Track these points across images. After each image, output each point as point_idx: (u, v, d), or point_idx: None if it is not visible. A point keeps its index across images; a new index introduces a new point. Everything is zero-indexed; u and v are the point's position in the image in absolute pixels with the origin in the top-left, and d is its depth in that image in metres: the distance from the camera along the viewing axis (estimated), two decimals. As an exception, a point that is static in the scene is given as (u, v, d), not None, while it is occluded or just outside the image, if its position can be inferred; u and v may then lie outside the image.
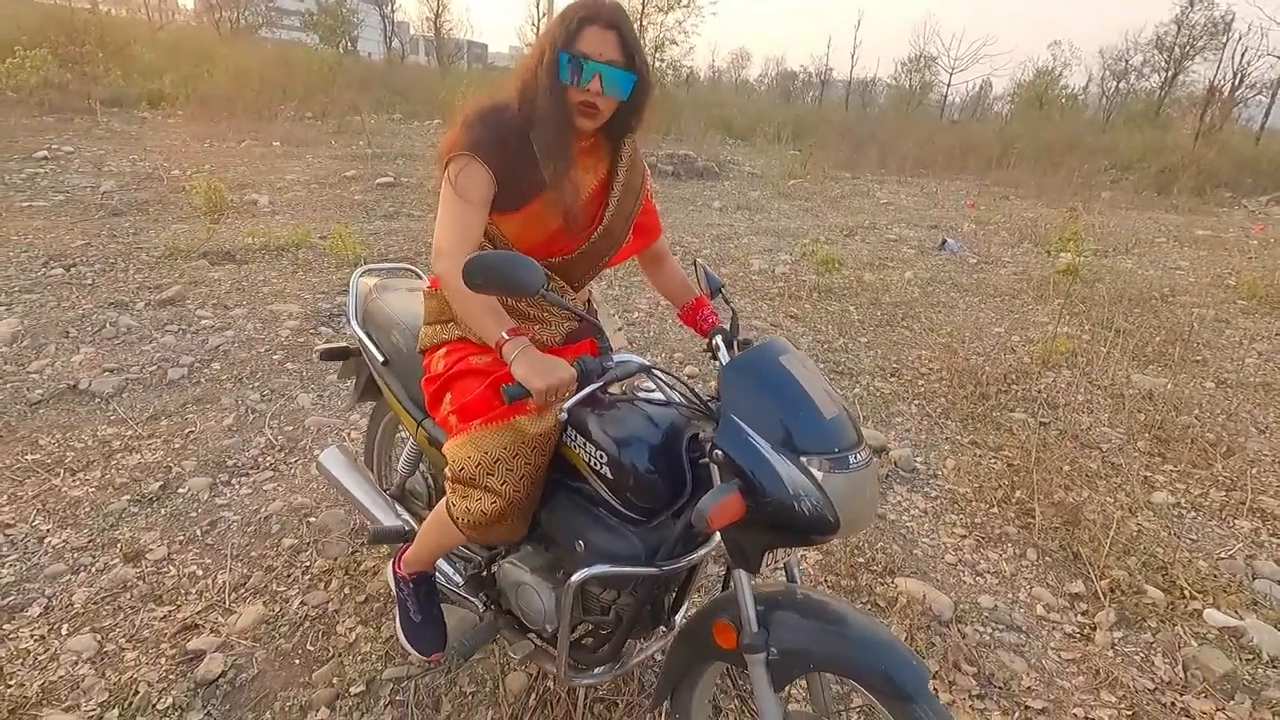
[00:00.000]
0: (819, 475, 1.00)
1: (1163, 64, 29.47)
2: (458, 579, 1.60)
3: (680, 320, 1.64)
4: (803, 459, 1.01)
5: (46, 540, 2.00)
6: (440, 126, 13.82)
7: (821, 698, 1.27)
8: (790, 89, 43.82)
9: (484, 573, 1.56)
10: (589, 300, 1.58)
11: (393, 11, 30.92)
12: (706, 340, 1.53)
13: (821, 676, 1.26)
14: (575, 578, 1.23)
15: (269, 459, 2.50)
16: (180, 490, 2.27)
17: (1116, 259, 7.46)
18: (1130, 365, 4.04)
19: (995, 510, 2.53)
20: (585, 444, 1.26)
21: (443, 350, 1.42)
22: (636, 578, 1.26)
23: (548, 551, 1.41)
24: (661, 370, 1.22)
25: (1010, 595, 2.11)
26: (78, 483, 2.27)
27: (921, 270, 6.17)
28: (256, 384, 3.03)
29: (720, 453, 1.07)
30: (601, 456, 1.23)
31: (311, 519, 2.16)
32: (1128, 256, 7.74)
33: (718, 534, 1.26)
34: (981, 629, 1.95)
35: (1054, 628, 2.00)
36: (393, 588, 1.56)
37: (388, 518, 1.75)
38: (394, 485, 1.85)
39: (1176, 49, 28.43)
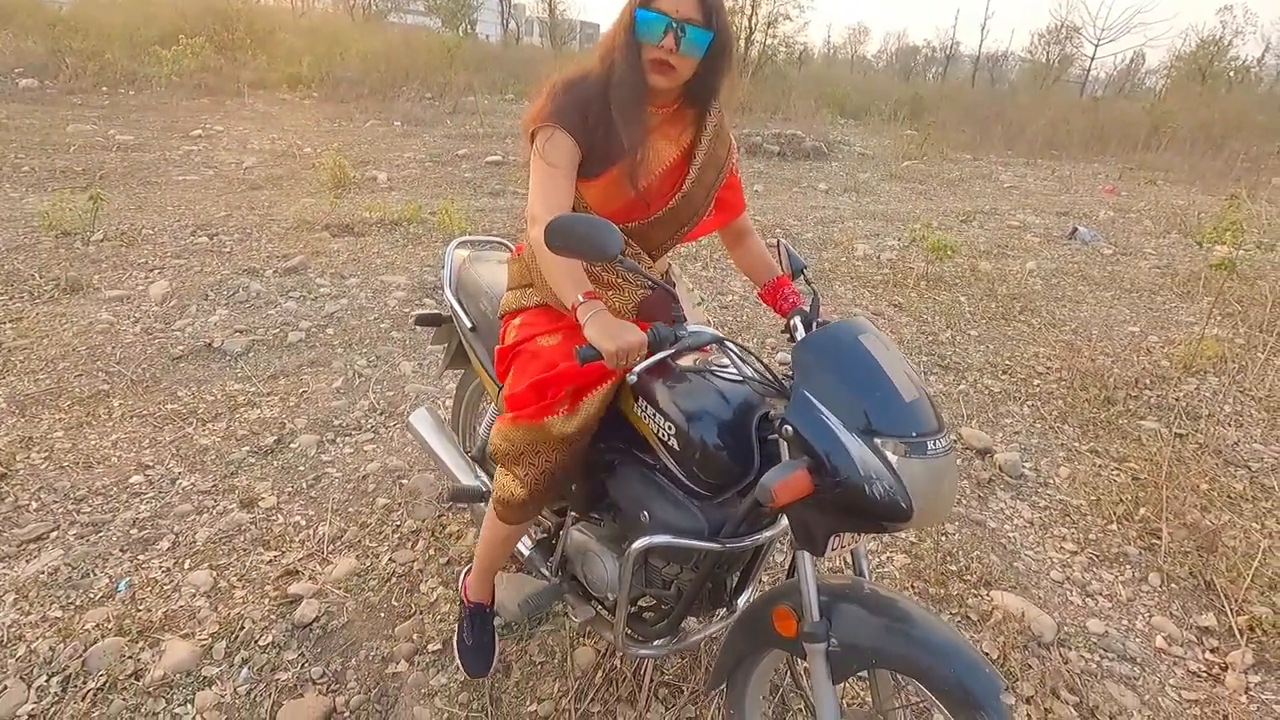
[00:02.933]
0: (894, 459, 0.95)
1: (1362, 29, 25.40)
2: (528, 542, 1.64)
3: (760, 299, 1.59)
4: (877, 440, 0.96)
5: (178, 482, 2.22)
6: (547, 106, 14.04)
7: (879, 695, 1.20)
8: (911, 65, 41.38)
9: (553, 538, 1.58)
10: (667, 272, 1.56)
11: (510, -6, 31.68)
12: (785, 321, 1.48)
13: (881, 673, 1.20)
14: (637, 545, 1.23)
15: (370, 421, 2.65)
16: (292, 445, 2.45)
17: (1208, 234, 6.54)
18: (1294, 375, 3.54)
19: (1114, 527, 2.29)
20: (654, 414, 1.25)
21: (518, 320, 1.45)
22: (699, 552, 1.24)
23: (614, 521, 1.42)
24: (735, 344, 1.19)
25: (1125, 622, 1.91)
26: (207, 432, 2.50)
27: (1046, 260, 5.67)
28: (364, 350, 3.22)
29: (790, 428, 1.03)
30: (669, 428, 1.22)
31: (404, 481, 2.27)
32: (1219, 231, 6.78)
33: (784, 518, 1.22)
34: (1088, 656, 1.78)
35: (1176, 663, 1.79)
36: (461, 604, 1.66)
37: (467, 478, 1.83)
38: (475, 448, 1.91)
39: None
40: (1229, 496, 2.49)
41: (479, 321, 1.74)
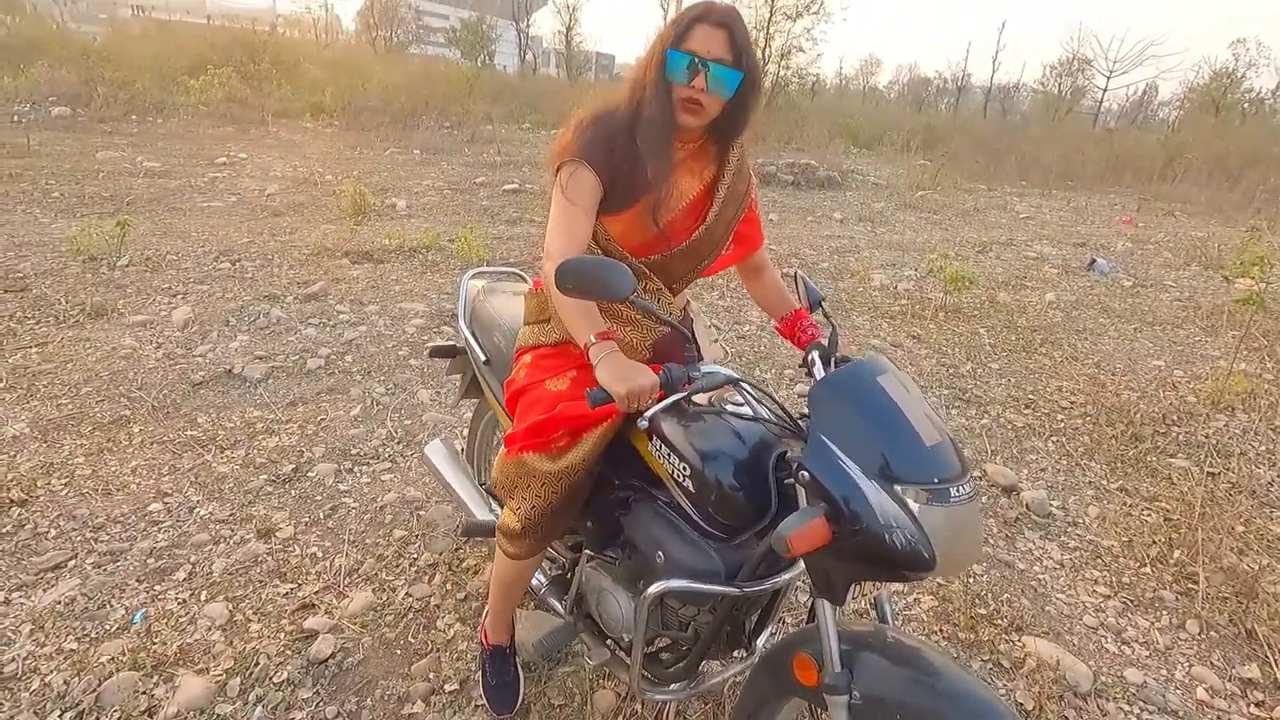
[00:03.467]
0: (915, 507, 0.92)
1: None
2: (542, 579, 1.61)
3: (778, 332, 1.58)
4: (897, 488, 0.94)
5: (196, 510, 2.21)
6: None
7: None
8: (923, 96, 41.72)
9: (568, 574, 1.55)
10: (686, 307, 1.56)
11: (528, 27, 32.43)
12: (803, 355, 1.45)
13: None
14: (652, 590, 1.20)
15: (388, 450, 2.64)
16: (309, 474, 2.44)
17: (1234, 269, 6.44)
18: (1327, 413, 3.46)
19: (1148, 570, 2.23)
20: (669, 454, 1.23)
21: (529, 358, 1.45)
22: (716, 596, 1.21)
23: (629, 560, 1.38)
24: (751, 384, 1.18)
25: (1164, 672, 1.84)
26: (225, 460, 2.50)
27: (1065, 292, 5.63)
28: (382, 377, 3.22)
29: (806, 474, 1.00)
30: (684, 469, 1.19)
31: (421, 512, 2.25)
32: (1244, 264, 6.68)
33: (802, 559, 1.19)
34: (1127, 708, 1.71)
35: (1220, 717, 1.72)
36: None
37: (481, 512, 1.81)
38: (491, 481, 1.89)
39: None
40: (1266, 540, 2.41)
41: (493, 355, 1.74)
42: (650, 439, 1.27)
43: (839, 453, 0.98)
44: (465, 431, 2.78)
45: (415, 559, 2.05)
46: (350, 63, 18.49)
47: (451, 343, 2.01)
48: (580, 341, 1.21)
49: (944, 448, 0.99)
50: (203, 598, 1.86)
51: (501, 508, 1.82)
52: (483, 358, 1.75)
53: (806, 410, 1.10)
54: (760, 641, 1.39)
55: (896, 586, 2.04)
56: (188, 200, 6.52)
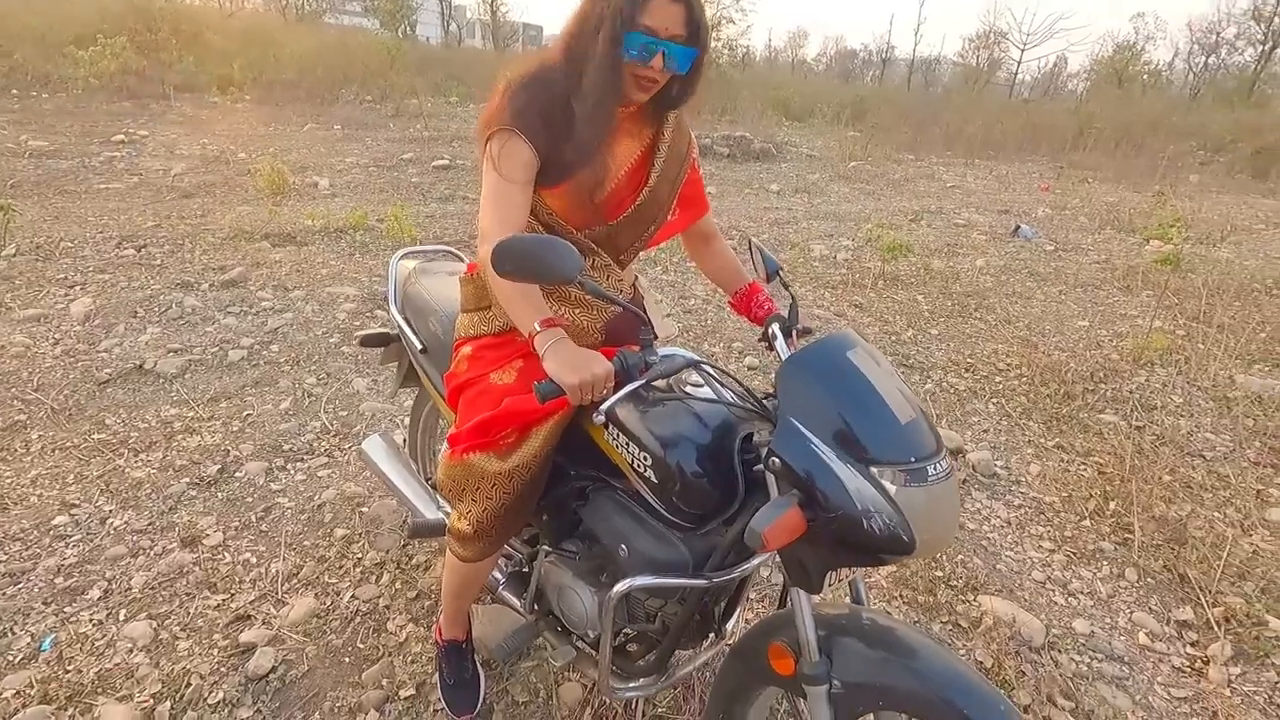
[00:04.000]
0: (892, 489, 0.89)
1: (1259, 36, 27.25)
2: (499, 575, 1.53)
3: (732, 308, 1.51)
4: (873, 470, 0.90)
5: (108, 521, 2.01)
6: (495, 109, 13.81)
7: None
8: (850, 68, 42.48)
9: (526, 570, 1.48)
10: (635, 284, 1.48)
11: (450, -5, 31.10)
12: (762, 329, 1.40)
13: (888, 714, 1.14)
14: (617, 589, 1.14)
15: (324, 444, 2.48)
16: (237, 474, 2.27)
17: (1211, 247, 6.90)
18: (1234, 365, 3.69)
19: (1087, 523, 2.32)
20: (627, 443, 1.16)
21: (469, 349, 1.35)
22: (683, 589, 1.16)
23: (590, 553, 1.32)
24: (711, 365, 1.12)
25: (1109, 620, 1.92)
26: (140, 464, 2.29)
27: (994, 258, 5.83)
28: (313, 367, 3.03)
29: (777, 460, 0.96)
30: (645, 458, 1.13)
31: (364, 509, 2.12)
32: (1223, 245, 7.16)
33: None
34: (1078, 658, 1.77)
35: (1160, 659, 1.80)
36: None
37: (429, 509, 1.69)
38: (436, 475, 1.79)
39: (1277, 19, 26.21)
40: (1190, 487, 2.55)
41: (430, 342, 1.62)
42: (606, 427, 1.19)
43: (810, 436, 0.94)
44: (406, 422, 2.65)
45: (360, 559, 1.93)
46: (259, 32, 17.30)
47: (383, 329, 1.85)
48: (524, 330, 1.12)
49: (918, 425, 0.95)
50: (121, 617, 1.69)
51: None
52: (419, 346, 1.62)
53: (771, 389, 1.05)
54: (730, 625, 1.35)
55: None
56: (82, 182, 5.98)
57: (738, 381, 1.12)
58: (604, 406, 1.04)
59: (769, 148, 11.55)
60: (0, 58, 10.41)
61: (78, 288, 3.66)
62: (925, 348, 3.73)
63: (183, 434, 2.47)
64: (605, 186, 1.24)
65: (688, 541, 1.14)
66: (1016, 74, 35.73)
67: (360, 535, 2.02)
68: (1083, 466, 2.66)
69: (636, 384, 1.06)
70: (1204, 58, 31.36)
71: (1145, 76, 28.87)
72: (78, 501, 2.08)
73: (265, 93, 11.65)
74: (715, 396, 1.14)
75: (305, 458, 2.40)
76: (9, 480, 2.15)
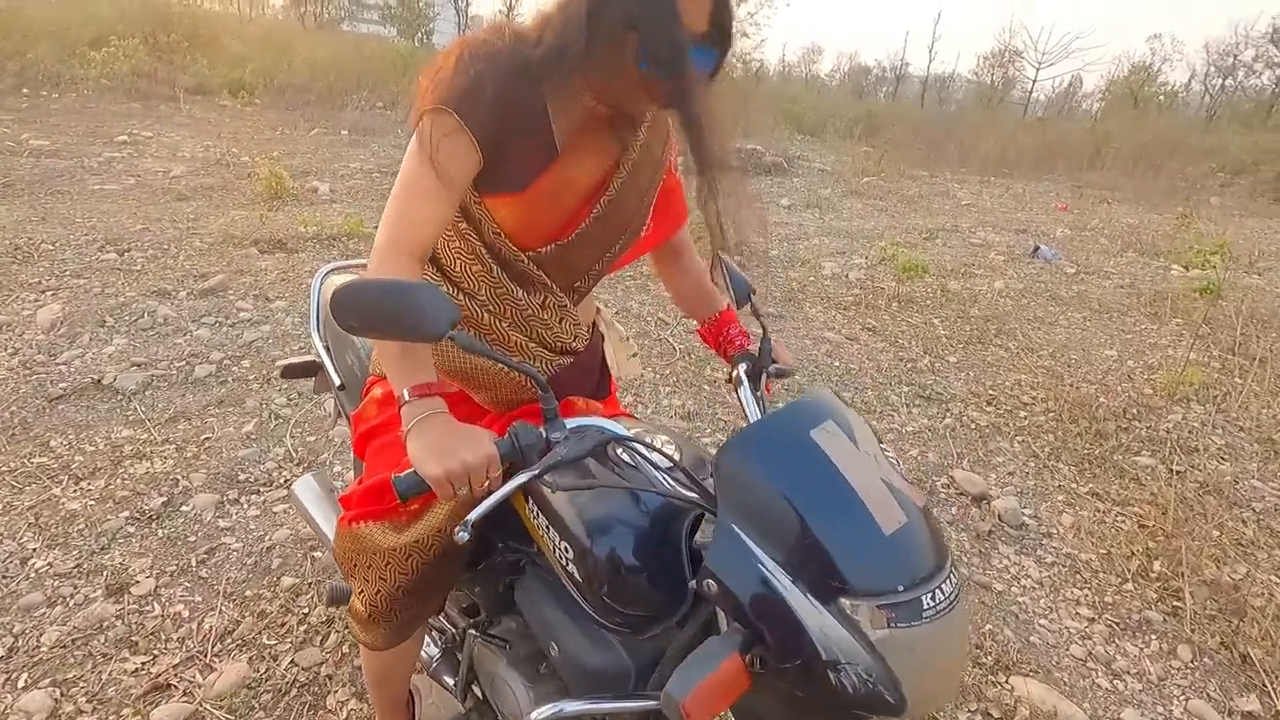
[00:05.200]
0: (873, 633, 0.65)
1: (1278, 59, 26.97)
2: (433, 649, 1.30)
3: (701, 338, 1.28)
4: (845, 603, 0.66)
5: (30, 562, 1.80)
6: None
7: None
8: (863, 84, 42.37)
9: (458, 648, 1.24)
10: (596, 319, 1.21)
11: (467, 5, 31.26)
12: (729, 369, 1.17)
13: None
14: (539, 713, 0.89)
15: (284, 475, 2.27)
16: (183, 508, 2.06)
17: (1241, 274, 6.62)
18: (1276, 403, 3.43)
19: (1130, 586, 2.07)
20: (547, 526, 0.92)
21: (380, 390, 1.13)
22: (624, 714, 0.91)
23: (526, 634, 1.07)
24: (643, 441, 0.87)
25: (1162, 709, 1.67)
26: (79, 493, 2.08)
27: (1013, 280, 5.57)
28: (284, 385, 2.82)
29: (712, 582, 0.72)
30: (565, 548, 0.89)
31: (317, 553, 1.90)
32: (1252, 271, 6.89)
33: None
34: (1128, 758, 1.53)
35: (1223, 761, 1.55)
36: None
37: None
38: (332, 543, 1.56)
39: (1296, 43, 25.96)
40: (1241, 544, 2.29)
41: (347, 377, 1.40)
42: (526, 499, 0.95)
43: (757, 551, 0.70)
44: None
45: (305, 615, 1.71)
46: (276, 38, 17.34)
47: (309, 357, 1.61)
48: (396, 392, 0.86)
49: (911, 534, 0.71)
50: (21, 683, 1.47)
51: None
52: (336, 381, 1.40)
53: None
54: None
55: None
56: (77, 182, 5.84)
57: (682, 452, 0.90)
58: (470, 517, 0.78)
59: (780, 162, 11.36)
60: (14, 56, 10.36)
61: (49, 293, 3.48)
62: (943, 377, 3.49)
63: (131, 459, 2.26)
64: (577, 184, 0.99)
65: (629, 645, 0.89)
66: (1031, 92, 35.51)
67: (309, 586, 1.80)
68: (1120, 518, 2.41)
69: (526, 476, 0.80)
70: (1221, 80, 31.10)
71: (1161, 97, 28.65)
72: (1, 537, 1.87)
73: (276, 97, 11.57)
74: (647, 481, 0.88)
75: (262, 489, 2.19)
76: (-72, 510, 1.95)
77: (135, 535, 1.93)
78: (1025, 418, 3.10)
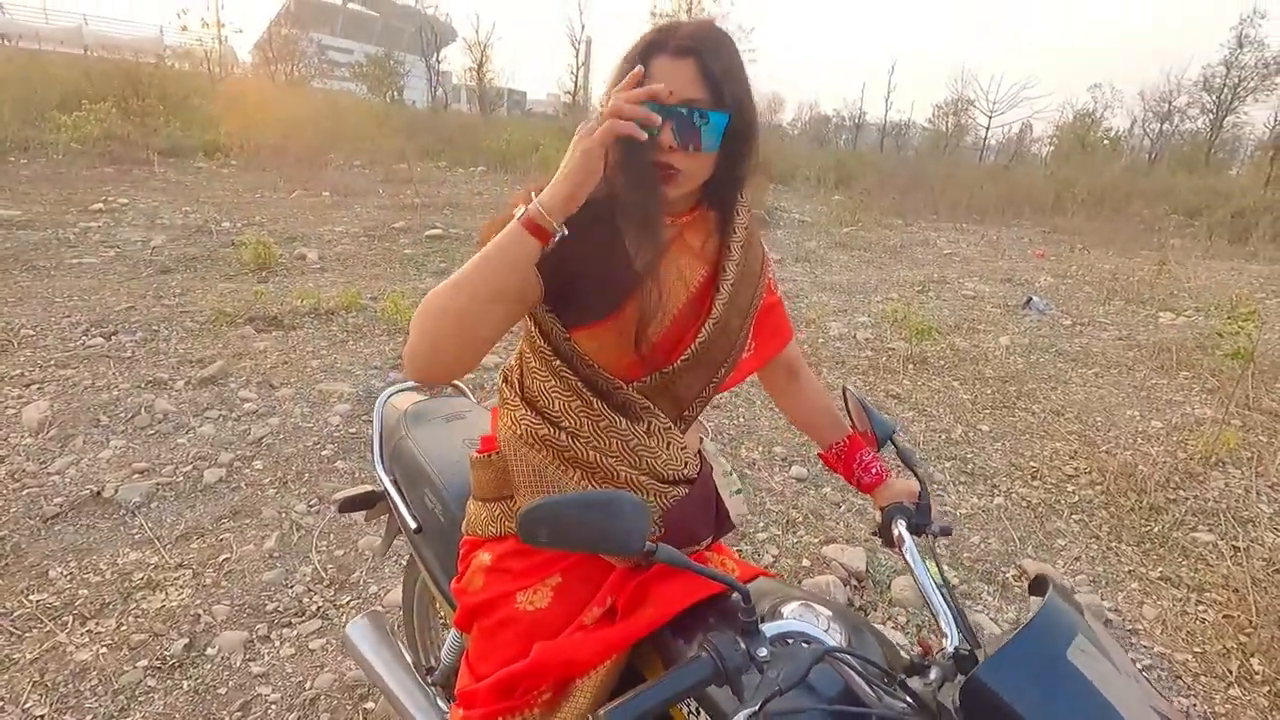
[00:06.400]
0: None
1: (1210, 105, 28.66)
2: None
3: (825, 462, 1.20)
4: None
5: (38, 736, 1.57)
6: (484, 174, 13.80)
7: None
8: (823, 133, 43.82)
9: None
10: (700, 449, 1.11)
11: (438, 62, 31.77)
12: (880, 521, 1.07)
13: None
14: None
15: (316, 600, 2.06)
16: (209, 651, 1.84)
17: (1224, 320, 6.79)
18: (1308, 462, 3.42)
19: (1237, 692, 1.95)
20: None
21: (486, 558, 1.01)
22: None
23: None
24: (855, 654, 0.75)
25: None
26: (87, 638, 1.85)
27: (1016, 335, 5.61)
28: (303, 489, 2.62)
29: None
30: None
31: (369, 705, 1.70)
32: (1235, 317, 7.06)
33: None
34: None
35: None
36: None
37: (427, 716, 1.30)
38: (437, 672, 1.39)
39: (1226, 90, 27.62)
40: (1328, 632, 2.20)
41: (425, 521, 1.27)
42: (697, 713, 0.83)
43: None
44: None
45: (367, 788, 1.51)
46: (248, 97, 17.31)
47: (367, 488, 1.48)
48: (523, 241, 0.82)
49: None
50: None
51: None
52: (412, 525, 1.27)
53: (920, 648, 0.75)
54: None
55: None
56: (53, 256, 5.59)
57: (853, 630, 0.81)
58: None
59: (760, 213, 11.52)
60: (-23, 121, 10.12)
61: (34, 387, 3.24)
62: (980, 448, 3.41)
63: (144, 590, 2.03)
64: (661, 313, 0.92)
65: None
66: (986, 139, 37.05)
67: (365, 747, 1.59)
68: (1200, 606, 2.31)
69: (747, 712, 0.65)
70: (1159, 124, 32.87)
71: (1106, 142, 30.13)
72: (1, 704, 1.63)
73: (252, 158, 11.47)
74: (859, 696, 0.76)
75: (294, 621, 1.97)
76: (-85, 672, 1.70)
77: (157, 689, 1.71)
78: (1074, 492, 3.02)
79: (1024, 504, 2.91)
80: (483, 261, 0.83)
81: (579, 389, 0.94)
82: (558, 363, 0.94)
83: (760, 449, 3.21)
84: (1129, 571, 2.49)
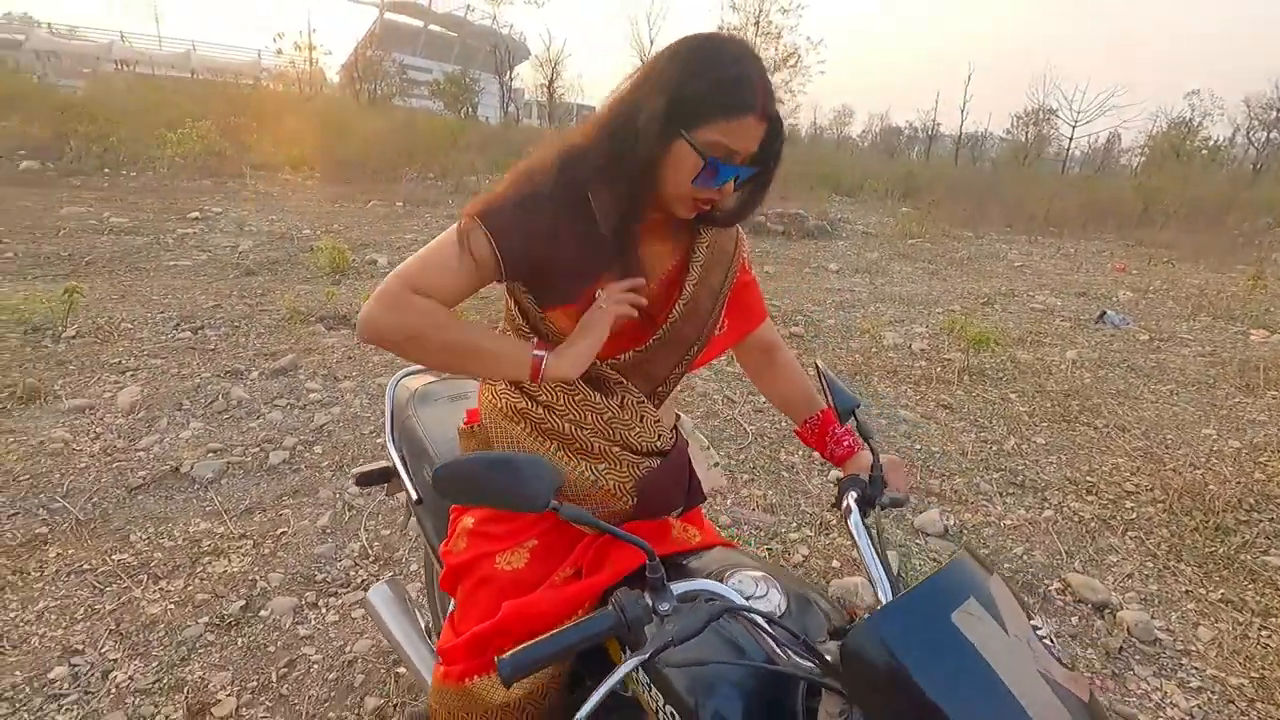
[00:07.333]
0: None
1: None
2: None
3: (800, 439, 1.22)
4: None
5: (112, 675, 1.74)
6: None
7: None
8: (894, 144, 42.79)
9: None
10: (676, 425, 1.16)
11: (510, 79, 32.84)
12: (837, 496, 1.08)
13: None
14: None
15: (361, 574, 2.19)
16: (262, 613, 1.99)
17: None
18: None
19: (1296, 721, 1.83)
20: (647, 685, 0.85)
21: (470, 520, 1.08)
22: None
23: None
24: (756, 611, 0.78)
25: None
26: (158, 595, 2.03)
27: (1085, 349, 5.35)
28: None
29: None
30: (672, 715, 0.81)
31: (400, 670, 1.80)
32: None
33: None
34: None
35: None
36: None
37: (430, 676, 1.38)
38: (428, 697, 1.46)
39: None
40: None
41: (425, 493, 1.34)
42: (623, 649, 0.87)
43: None
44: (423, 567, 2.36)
45: (392, 744, 1.60)
46: (334, 115, 18.38)
47: (383, 464, 1.56)
48: (519, 370, 0.93)
49: None
50: (103, 824, 1.39)
51: None
52: (414, 495, 1.35)
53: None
54: None
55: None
56: (153, 259, 6.10)
57: (787, 595, 0.85)
58: (580, 715, 0.71)
59: (824, 225, 11.39)
60: (98, 139, 11.12)
61: (129, 374, 3.56)
62: (1033, 461, 3.29)
63: (210, 556, 2.22)
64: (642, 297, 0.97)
65: None
66: (1069, 149, 35.32)
67: (395, 707, 1.70)
68: (1264, 631, 2.17)
69: (635, 662, 0.72)
70: (1265, 133, 30.59)
71: (1205, 151, 28.27)
72: (82, 646, 1.82)
73: (335, 171, 12.15)
74: (764, 654, 0.81)
75: (340, 591, 2.11)
76: (14, 615, 1.91)
77: (215, 643, 1.87)
78: (1132, 509, 2.88)
79: (1075, 518, 2.79)
80: (474, 354, 0.93)
81: None
82: (535, 339, 0.99)
83: (800, 453, 3.19)
84: (1185, 592, 2.35)
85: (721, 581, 0.85)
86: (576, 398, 0.99)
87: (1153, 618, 2.19)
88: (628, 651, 0.75)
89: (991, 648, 0.64)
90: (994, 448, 3.40)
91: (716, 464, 1.26)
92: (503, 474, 0.73)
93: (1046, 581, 2.36)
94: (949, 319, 5.29)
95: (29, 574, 2.08)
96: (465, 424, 1.14)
